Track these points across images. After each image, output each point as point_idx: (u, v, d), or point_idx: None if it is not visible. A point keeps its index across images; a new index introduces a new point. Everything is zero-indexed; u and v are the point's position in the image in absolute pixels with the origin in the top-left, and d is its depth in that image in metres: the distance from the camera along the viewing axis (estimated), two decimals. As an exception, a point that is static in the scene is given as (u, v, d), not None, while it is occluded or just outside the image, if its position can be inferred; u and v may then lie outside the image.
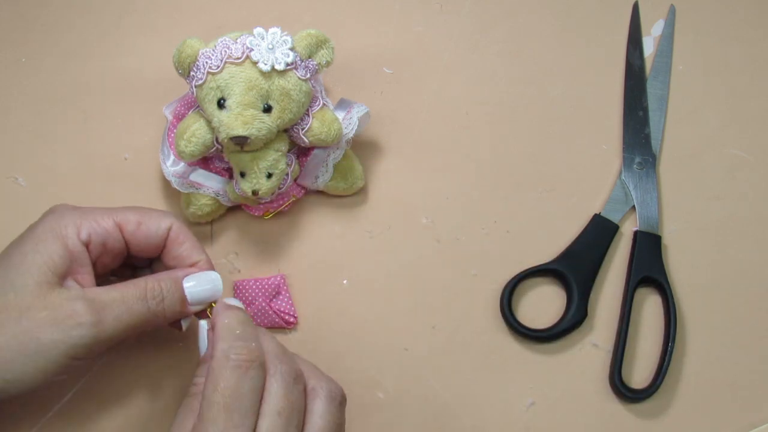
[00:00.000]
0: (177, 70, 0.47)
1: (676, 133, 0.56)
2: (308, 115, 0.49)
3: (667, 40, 0.58)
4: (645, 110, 0.56)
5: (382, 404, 0.50)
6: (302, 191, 0.53)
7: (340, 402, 0.41)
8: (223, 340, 0.39)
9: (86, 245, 0.41)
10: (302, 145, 0.50)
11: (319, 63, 0.48)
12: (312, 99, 0.49)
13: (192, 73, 0.47)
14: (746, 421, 0.49)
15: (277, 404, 0.38)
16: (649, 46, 0.58)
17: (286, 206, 0.52)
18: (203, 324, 0.42)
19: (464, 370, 0.50)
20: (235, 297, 0.51)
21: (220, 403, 0.36)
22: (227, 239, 0.53)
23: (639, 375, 0.50)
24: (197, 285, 0.43)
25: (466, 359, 0.50)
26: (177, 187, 0.51)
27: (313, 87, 0.49)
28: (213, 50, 0.46)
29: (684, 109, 0.57)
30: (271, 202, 0.52)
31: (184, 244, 0.44)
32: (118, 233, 0.42)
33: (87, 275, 0.41)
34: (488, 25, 0.59)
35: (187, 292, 0.43)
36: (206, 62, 0.46)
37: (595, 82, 0.57)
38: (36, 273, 0.39)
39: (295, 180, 0.51)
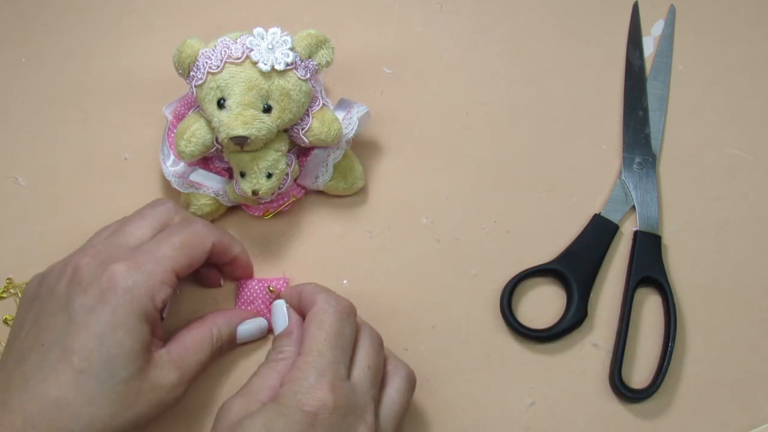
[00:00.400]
0: (177, 70, 0.47)
1: (676, 133, 0.56)
2: (308, 115, 0.49)
3: (667, 40, 0.58)
4: (645, 110, 0.56)
5: (382, 404, 0.50)
6: (302, 191, 0.53)
7: (413, 386, 0.45)
8: (323, 293, 0.44)
9: (160, 310, 0.43)
10: (302, 145, 0.50)
11: (319, 63, 0.48)
12: (312, 99, 0.49)
13: (192, 73, 0.47)
14: (746, 421, 0.49)
15: (368, 359, 0.43)
16: (649, 46, 0.58)
17: (286, 206, 0.52)
18: (281, 302, 0.47)
19: (464, 370, 0.50)
20: (237, 295, 0.51)
21: (327, 340, 0.41)
22: (227, 239, 0.53)
23: (639, 375, 0.50)
24: (248, 331, 0.48)
25: (466, 359, 0.50)
26: (177, 187, 0.51)
27: (313, 87, 0.49)
28: (213, 50, 0.46)
29: (684, 109, 0.57)
30: (271, 202, 0.52)
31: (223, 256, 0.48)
32: (175, 282, 0.43)
33: (158, 328, 0.44)
34: (488, 25, 0.59)
35: (239, 336, 0.48)
36: (206, 62, 0.46)
37: (595, 82, 0.57)
38: (138, 359, 0.41)
39: (295, 180, 0.51)
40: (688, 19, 0.59)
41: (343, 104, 0.51)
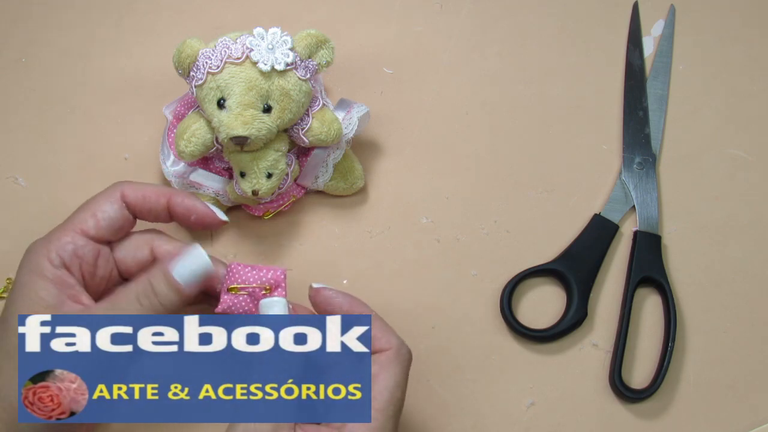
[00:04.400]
0: (177, 70, 0.47)
1: (676, 133, 0.56)
2: (308, 115, 0.49)
3: (667, 40, 0.58)
4: (645, 110, 0.56)
5: (382, 404, 0.50)
6: (302, 191, 0.53)
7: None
8: (395, 337, 0.42)
9: (64, 267, 0.42)
10: (302, 145, 0.50)
11: (319, 63, 0.48)
12: (312, 99, 0.49)
13: (192, 73, 0.47)
14: (746, 421, 0.49)
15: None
16: (649, 46, 0.58)
17: (286, 206, 0.52)
18: (281, 302, 0.42)
19: (464, 370, 0.50)
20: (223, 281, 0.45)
21: (400, 399, 0.41)
22: (227, 239, 0.53)
23: (639, 375, 0.50)
24: (183, 267, 0.41)
25: (466, 359, 0.50)
26: (177, 187, 0.51)
27: (313, 87, 0.49)
28: (213, 50, 0.46)
29: (684, 109, 0.57)
30: (271, 202, 0.52)
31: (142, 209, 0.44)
32: (83, 239, 0.42)
33: (82, 294, 0.42)
34: (488, 25, 0.59)
35: (177, 277, 0.41)
36: (206, 62, 0.46)
37: (595, 82, 0.57)
38: (30, 310, 0.40)
39: (295, 180, 0.51)
40: (688, 19, 0.59)
41: (343, 104, 0.51)
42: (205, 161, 0.51)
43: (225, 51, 0.46)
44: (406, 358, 0.42)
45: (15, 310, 0.40)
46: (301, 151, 0.51)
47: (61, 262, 0.41)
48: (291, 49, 0.46)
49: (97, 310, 0.40)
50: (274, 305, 0.42)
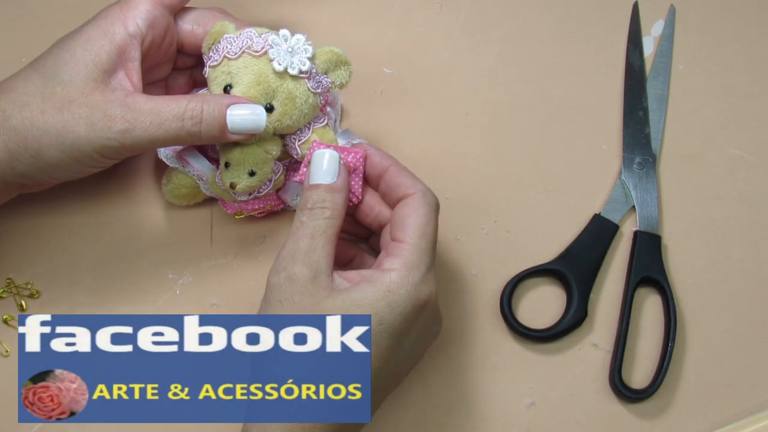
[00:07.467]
0: (202, 47, 0.48)
1: (676, 133, 0.56)
2: (309, 129, 0.48)
3: (667, 40, 0.58)
4: (645, 110, 0.56)
5: (382, 404, 0.49)
6: (281, 205, 0.52)
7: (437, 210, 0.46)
8: (422, 184, 0.44)
9: (136, 37, 0.42)
10: (295, 157, 0.49)
11: (333, 81, 0.47)
12: (317, 116, 0.48)
13: (211, 54, 0.47)
14: (746, 420, 0.49)
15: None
16: (649, 46, 0.58)
17: (259, 213, 0.51)
18: (334, 154, 0.44)
19: (464, 370, 0.50)
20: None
21: (433, 236, 0.43)
22: (227, 239, 0.53)
23: (639, 375, 0.50)
24: (241, 114, 0.43)
25: (466, 359, 0.50)
26: (163, 158, 0.49)
27: (328, 113, 0.48)
28: (236, 37, 0.46)
29: (684, 109, 0.57)
30: (247, 203, 0.50)
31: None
32: (160, 9, 0.44)
33: (134, 70, 0.43)
34: (488, 25, 0.59)
35: (229, 119, 0.43)
36: (227, 46, 0.46)
37: (595, 82, 0.57)
38: (83, 70, 0.41)
39: (277, 191, 0.51)
40: (688, 19, 0.59)
41: (347, 134, 0.51)
42: (202, 146, 0.51)
43: (247, 41, 0.46)
44: (433, 201, 0.44)
45: (73, 56, 0.41)
46: (291, 166, 0.51)
47: (136, 30, 0.42)
48: (310, 59, 0.46)
49: (140, 106, 0.41)
50: (324, 157, 0.44)
